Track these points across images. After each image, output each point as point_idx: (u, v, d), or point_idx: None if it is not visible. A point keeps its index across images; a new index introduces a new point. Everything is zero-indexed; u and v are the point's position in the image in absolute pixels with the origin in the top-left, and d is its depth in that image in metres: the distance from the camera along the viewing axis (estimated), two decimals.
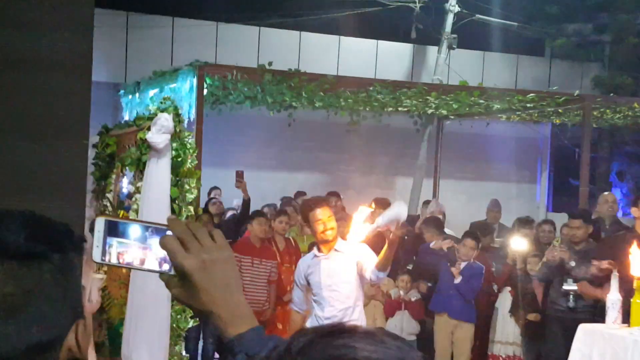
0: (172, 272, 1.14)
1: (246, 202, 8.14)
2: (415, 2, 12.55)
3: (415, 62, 13.43)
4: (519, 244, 6.82)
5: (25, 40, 2.13)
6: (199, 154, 6.20)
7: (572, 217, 6.54)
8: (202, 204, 8.30)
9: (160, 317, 4.68)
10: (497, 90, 9.58)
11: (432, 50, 13.03)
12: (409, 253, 7.44)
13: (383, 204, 7.19)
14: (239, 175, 8.00)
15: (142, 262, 1.16)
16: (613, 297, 5.55)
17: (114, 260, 1.16)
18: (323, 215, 4.65)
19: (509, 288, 6.99)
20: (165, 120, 4.64)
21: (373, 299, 6.94)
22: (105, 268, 4.48)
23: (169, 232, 1.14)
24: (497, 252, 7.52)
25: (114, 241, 1.16)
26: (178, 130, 4.82)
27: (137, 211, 4.85)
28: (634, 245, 5.50)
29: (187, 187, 4.89)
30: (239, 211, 8.59)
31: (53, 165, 2.11)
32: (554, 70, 13.95)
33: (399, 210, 4.26)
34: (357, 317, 4.70)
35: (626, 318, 5.46)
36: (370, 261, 4.56)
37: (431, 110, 10.45)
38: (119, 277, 5.20)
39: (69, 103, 2.16)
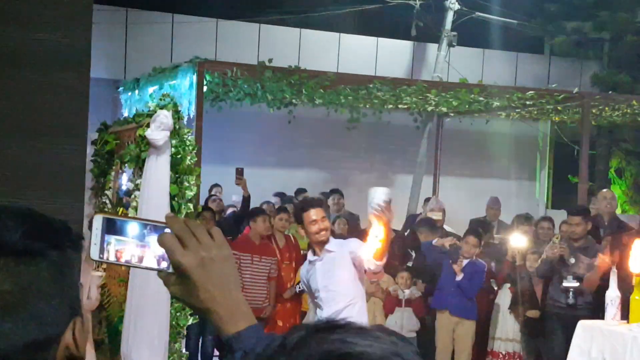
0: (171, 270, 1.14)
1: (246, 200, 8.15)
2: (415, 0, 12.54)
3: (415, 60, 13.42)
4: (518, 240, 6.82)
5: (23, 37, 2.13)
6: (198, 151, 6.20)
7: (571, 214, 6.55)
8: (202, 202, 8.31)
9: (159, 314, 4.68)
10: (497, 88, 9.58)
11: (432, 47, 13.02)
12: (408, 250, 7.44)
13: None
14: (239, 173, 8.00)
15: (140, 259, 1.16)
16: (612, 294, 5.56)
17: (111, 258, 1.16)
18: (317, 216, 4.67)
19: (508, 285, 6.99)
20: (164, 117, 4.63)
21: (373, 295, 6.94)
22: (104, 265, 4.48)
23: (167, 230, 1.14)
24: (496, 249, 7.52)
25: (111, 239, 1.15)
26: (177, 127, 4.81)
27: (136, 208, 4.85)
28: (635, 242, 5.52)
29: (186, 184, 4.88)
30: (238, 208, 8.60)
31: (51, 162, 2.11)
32: (554, 68, 13.94)
33: (379, 192, 4.35)
34: (358, 315, 4.70)
35: (625, 314, 5.46)
36: (363, 251, 4.57)
37: (431, 108, 10.45)
38: (119, 274, 5.19)
39: (67, 100, 2.15)
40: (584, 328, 5.67)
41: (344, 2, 12.92)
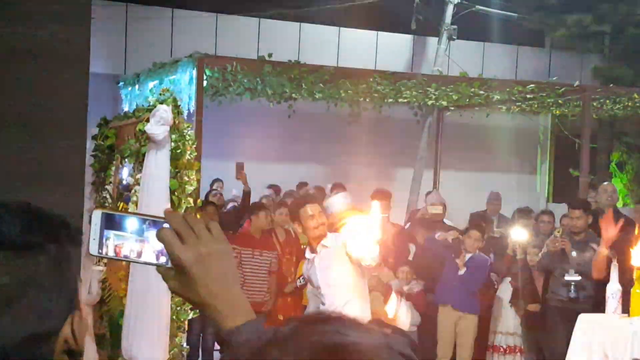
0: (169, 265, 1.14)
1: (246, 194, 8.15)
2: None
3: (415, 54, 13.40)
4: (518, 234, 6.82)
5: (22, 32, 2.13)
6: (198, 146, 6.19)
7: (572, 208, 6.55)
8: (203, 196, 8.31)
9: (160, 309, 4.68)
10: (497, 81, 9.56)
11: (432, 41, 13.00)
12: (406, 245, 7.44)
13: (383, 195, 7.19)
14: (239, 167, 8.00)
15: (139, 254, 1.16)
16: (613, 287, 5.56)
17: (110, 253, 1.16)
18: (314, 211, 4.69)
19: (509, 279, 6.99)
20: (164, 111, 4.63)
21: (373, 290, 6.94)
22: (105, 260, 4.48)
23: (166, 225, 1.14)
24: (496, 243, 7.52)
25: (110, 234, 1.15)
26: (177, 121, 4.81)
27: (136, 203, 4.85)
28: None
29: (186, 178, 4.88)
30: (238, 203, 8.60)
31: (51, 157, 2.11)
32: (554, 61, 13.92)
33: (337, 201, 4.42)
34: (361, 309, 4.70)
35: (626, 308, 5.47)
36: (355, 248, 4.60)
37: (431, 102, 10.44)
38: (120, 269, 5.20)
39: (66, 95, 2.15)
40: (584, 322, 5.67)
41: None
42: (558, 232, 6.67)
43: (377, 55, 12.85)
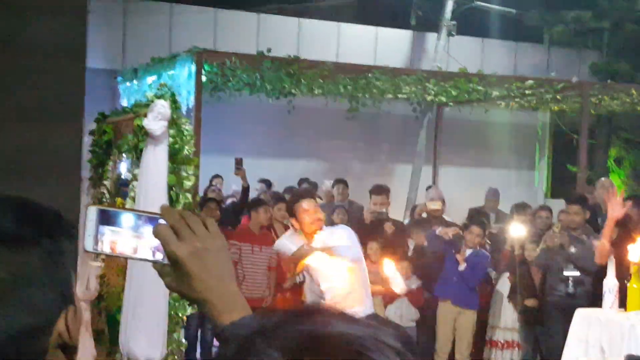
0: (165, 261, 1.14)
1: (245, 190, 8.15)
2: None
3: (415, 49, 13.38)
4: (516, 230, 6.83)
5: (19, 24, 2.12)
6: (197, 141, 6.19)
7: (570, 203, 6.55)
8: (201, 192, 8.31)
9: (158, 304, 4.69)
10: (496, 77, 9.56)
11: (431, 37, 12.98)
12: (405, 241, 7.44)
13: (381, 191, 7.20)
14: (238, 163, 8.00)
15: (135, 251, 1.16)
16: (610, 282, 5.56)
17: (106, 249, 1.16)
18: (309, 206, 4.69)
19: (507, 274, 7.00)
20: (162, 107, 4.62)
21: (372, 284, 6.94)
22: (103, 256, 4.48)
23: (162, 221, 1.14)
24: (494, 238, 7.53)
25: (106, 230, 1.15)
26: (175, 117, 4.81)
27: (134, 198, 4.85)
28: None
29: (184, 174, 4.88)
30: (237, 199, 8.60)
31: (47, 150, 2.11)
32: (553, 58, 13.91)
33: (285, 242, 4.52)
34: (362, 303, 4.70)
35: (623, 303, 5.48)
36: (342, 244, 4.61)
37: (430, 97, 10.43)
38: (117, 264, 5.20)
39: (63, 88, 2.15)
40: (581, 316, 5.68)
41: None
42: (556, 227, 6.67)
43: (377, 50, 12.84)
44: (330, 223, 7.46)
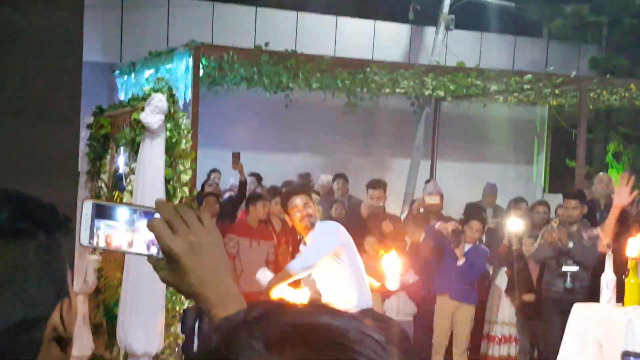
0: (160, 255, 1.14)
1: (243, 184, 8.15)
2: None
3: (413, 43, 13.37)
4: (514, 224, 6.83)
5: (14, 20, 2.11)
6: (194, 135, 6.18)
7: (568, 198, 6.55)
8: (199, 186, 8.30)
9: (155, 298, 4.69)
10: (494, 72, 9.55)
11: (429, 31, 12.97)
12: (402, 235, 7.44)
13: (378, 185, 7.20)
14: (236, 157, 7.99)
15: (130, 245, 1.16)
16: (607, 277, 5.56)
17: (101, 243, 1.16)
18: (300, 203, 4.70)
19: (505, 269, 7.01)
20: (159, 100, 4.61)
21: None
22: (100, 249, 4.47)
23: (157, 215, 1.14)
24: (492, 233, 7.53)
25: (101, 224, 1.15)
26: (172, 110, 4.80)
27: (131, 192, 4.85)
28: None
29: (181, 167, 4.88)
30: (235, 193, 8.60)
31: (43, 145, 2.10)
32: (552, 52, 13.90)
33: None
34: (360, 298, 4.71)
35: (620, 297, 5.48)
36: (303, 250, 4.72)
37: (428, 92, 10.42)
38: (115, 258, 5.20)
39: (59, 83, 2.14)
40: (579, 311, 5.69)
41: None
42: (555, 222, 6.67)
43: (375, 45, 12.83)
44: (329, 217, 7.47)
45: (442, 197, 8.40)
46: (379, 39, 12.93)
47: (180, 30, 11.00)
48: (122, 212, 1.16)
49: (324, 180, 9.56)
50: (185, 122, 4.97)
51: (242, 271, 6.83)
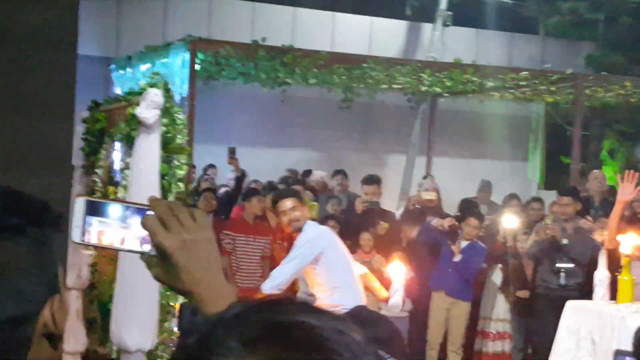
0: (153, 252, 1.13)
1: (239, 179, 8.15)
2: None
3: (410, 39, 13.36)
4: (509, 221, 6.84)
5: (8, 14, 2.11)
6: (190, 130, 6.18)
7: (561, 194, 6.55)
8: (196, 182, 8.30)
9: (149, 293, 4.68)
10: (491, 68, 9.55)
11: (426, 27, 12.96)
12: (398, 232, 7.45)
13: (372, 181, 7.20)
14: (232, 152, 7.99)
15: (123, 242, 1.16)
16: (601, 274, 5.58)
17: (93, 241, 1.16)
18: (286, 207, 4.72)
19: (500, 265, 7.02)
20: (154, 95, 4.60)
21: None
22: None
23: (150, 212, 1.13)
24: (487, 230, 7.53)
25: (93, 221, 1.15)
26: (168, 105, 4.79)
27: (126, 187, 4.84)
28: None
29: (177, 163, 4.87)
30: (231, 188, 8.60)
31: (37, 140, 2.10)
32: (548, 49, 13.91)
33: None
34: (350, 298, 4.72)
35: (614, 295, 5.50)
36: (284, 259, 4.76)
37: (425, 88, 10.43)
38: (109, 253, 5.19)
39: (53, 77, 2.14)
40: (572, 308, 5.70)
41: None
42: (549, 219, 6.68)
43: (372, 40, 12.82)
44: (325, 213, 7.48)
45: (438, 193, 8.41)
46: (376, 35, 12.92)
47: (177, 25, 10.98)
48: (114, 209, 1.16)
49: (318, 176, 9.56)
50: (181, 117, 4.96)
51: (239, 267, 6.84)
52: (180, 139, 4.91)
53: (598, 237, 6.31)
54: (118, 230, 1.15)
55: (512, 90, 10.64)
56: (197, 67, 7.79)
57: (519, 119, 13.56)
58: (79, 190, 5.27)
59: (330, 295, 4.69)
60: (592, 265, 5.89)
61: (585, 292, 6.01)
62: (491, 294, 7.11)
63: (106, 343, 5.19)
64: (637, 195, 5.58)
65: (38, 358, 1.00)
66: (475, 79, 9.67)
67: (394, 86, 10.16)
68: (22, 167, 2.12)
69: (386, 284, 6.94)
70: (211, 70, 8.60)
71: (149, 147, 4.69)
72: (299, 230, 4.76)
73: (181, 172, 4.88)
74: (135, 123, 4.75)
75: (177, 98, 6.66)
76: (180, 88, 7.56)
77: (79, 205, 1.15)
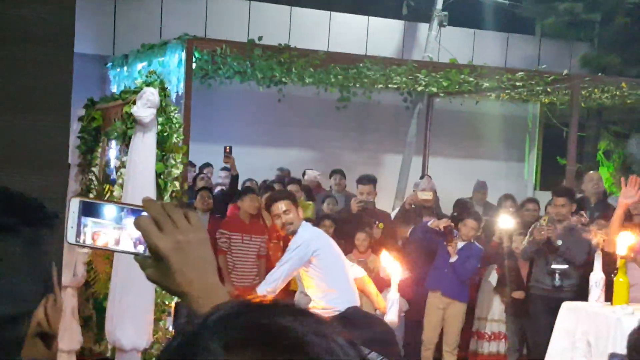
0: (147, 253, 1.13)
1: (234, 178, 8.15)
2: None
3: (406, 39, 13.36)
4: (504, 221, 6.84)
5: (4, 11, 2.10)
6: (186, 129, 6.17)
7: (556, 195, 6.56)
8: (192, 181, 8.28)
9: (144, 292, 4.68)
10: (487, 69, 9.56)
11: (423, 27, 12.97)
12: (394, 232, 7.45)
13: (367, 181, 7.20)
14: (227, 151, 7.99)
15: (117, 243, 1.16)
16: (596, 276, 5.59)
17: (88, 241, 1.16)
18: (279, 210, 4.73)
19: (495, 266, 7.02)
20: (150, 94, 4.60)
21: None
22: None
23: (144, 213, 1.13)
24: (482, 230, 7.54)
25: (88, 221, 1.15)
26: (164, 104, 4.78)
27: (122, 185, 4.84)
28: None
29: (172, 162, 4.87)
30: (226, 187, 8.60)
31: (33, 138, 2.09)
32: (544, 49, 13.92)
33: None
34: (343, 300, 4.72)
35: (609, 296, 5.51)
36: (279, 262, 4.77)
37: (421, 88, 10.43)
38: (105, 252, 5.18)
39: (49, 75, 2.13)
40: (568, 310, 5.71)
41: None
42: (544, 220, 6.69)
43: (368, 40, 12.81)
44: (321, 213, 7.48)
45: (435, 193, 8.41)
46: (372, 35, 12.92)
47: (174, 23, 10.96)
48: (109, 210, 1.16)
49: (312, 176, 9.56)
50: (177, 115, 4.96)
51: (234, 266, 6.83)
52: (176, 138, 4.91)
53: (592, 237, 6.32)
54: (113, 231, 1.15)
55: (508, 91, 10.65)
56: (193, 65, 7.78)
57: (515, 120, 13.57)
58: (75, 188, 5.26)
59: (324, 297, 4.70)
60: (587, 267, 5.90)
61: (579, 293, 6.02)
62: (486, 295, 7.12)
63: (101, 341, 5.19)
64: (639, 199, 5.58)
65: (32, 357, 0.99)
66: (471, 79, 9.67)
67: (390, 86, 10.16)
68: (17, 165, 2.11)
69: (381, 285, 6.96)
70: (207, 68, 8.59)
71: (144, 145, 4.69)
72: (294, 233, 4.77)
73: (177, 171, 4.88)
74: (131, 121, 4.74)
75: (173, 97, 6.65)
76: (177, 87, 7.55)
77: (73, 206, 1.15)
